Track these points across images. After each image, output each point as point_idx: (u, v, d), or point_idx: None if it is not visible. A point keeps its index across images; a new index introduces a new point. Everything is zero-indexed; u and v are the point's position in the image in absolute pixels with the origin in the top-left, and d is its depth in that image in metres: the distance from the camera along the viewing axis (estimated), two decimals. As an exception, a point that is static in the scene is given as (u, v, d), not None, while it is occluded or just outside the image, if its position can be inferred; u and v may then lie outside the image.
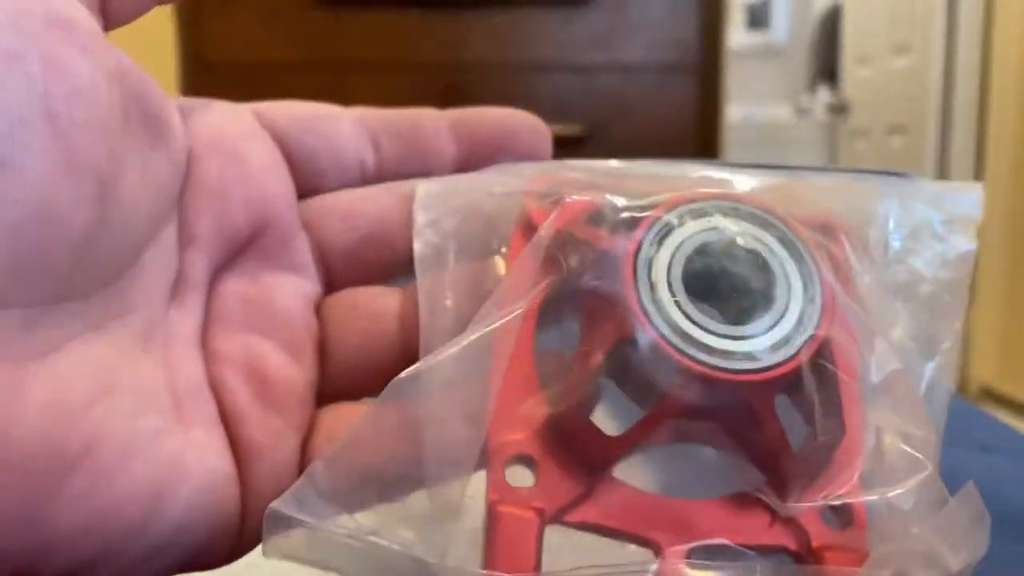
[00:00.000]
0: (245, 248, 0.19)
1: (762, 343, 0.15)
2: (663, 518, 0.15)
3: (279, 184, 0.19)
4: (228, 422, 0.18)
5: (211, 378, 0.18)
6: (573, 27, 1.72)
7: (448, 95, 1.67)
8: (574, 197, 0.17)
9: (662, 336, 0.15)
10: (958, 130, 2.26)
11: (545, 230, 0.16)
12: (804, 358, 0.15)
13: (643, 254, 0.15)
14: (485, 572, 0.15)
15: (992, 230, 2.13)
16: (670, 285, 0.15)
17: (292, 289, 0.19)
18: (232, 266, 0.19)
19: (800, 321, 0.15)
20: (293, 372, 0.18)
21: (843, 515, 0.16)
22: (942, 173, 2.31)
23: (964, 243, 0.18)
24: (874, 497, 0.15)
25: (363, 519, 0.15)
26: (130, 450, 0.15)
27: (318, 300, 0.20)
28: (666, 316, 0.15)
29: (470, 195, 0.19)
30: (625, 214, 0.16)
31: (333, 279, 0.20)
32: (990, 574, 0.27)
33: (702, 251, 0.16)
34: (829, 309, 0.15)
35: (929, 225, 0.18)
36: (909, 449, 0.16)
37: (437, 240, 0.19)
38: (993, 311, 2.12)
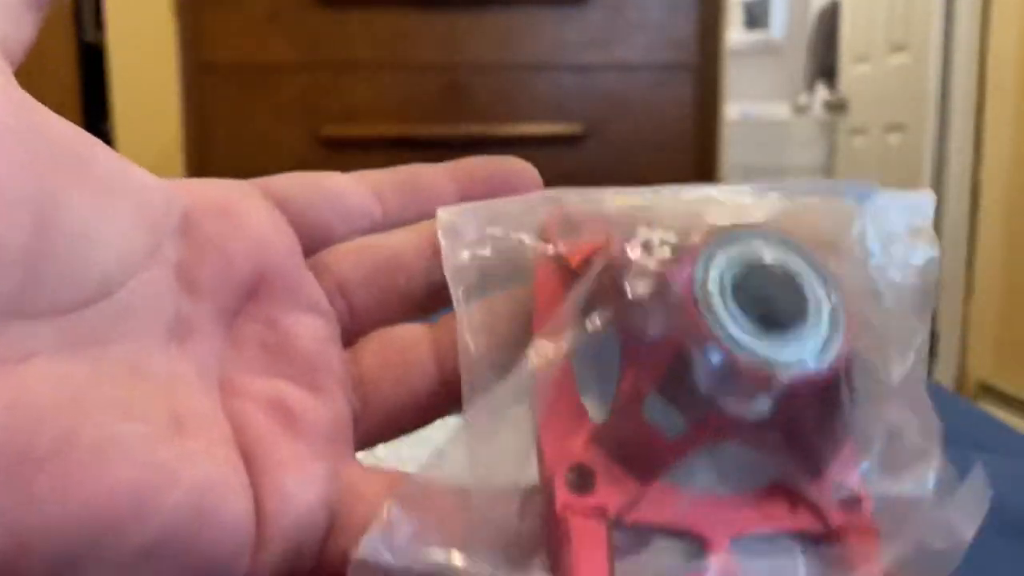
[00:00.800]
0: (252, 295, 0.20)
1: (809, 351, 0.17)
2: (707, 513, 0.17)
3: (277, 234, 0.20)
4: (245, 442, 0.18)
5: (229, 409, 0.18)
6: (572, 26, 1.72)
7: (447, 94, 1.68)
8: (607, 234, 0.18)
9: (727, 347, 0.16)
10: (955, 127, 2.26)
11: (587, 272, 0.18)
12: (845, 362, 0.17)
13: (697, 277, 0.17)
14: None
15: (989, 227, 2.14)
16: (724, 302, 0.17)
17: (310, 330, 0.20)
18: (244, 312, 0.20)
19: (832, 335, 0.17)
20: (317, 408, 0.19)
21: (853, 499, 0.18)
22: (939, 170, 2.31)
23: (928, 250, 0.20)
24: (897, 485, 0.18)
25: (443, 555, 0.16)
26: (106, 452, 0.15)
27: (342, 336, 0.21)
28: (725, 331, 0.16)
29: (491, 212, 0.20)
30: (667, 245, 0.18)
31: (356, 312, 0.21)
32: (988, 572, 0.27)
33: (745, 275, 0.17)
34: (851, 326, 0.17)
35: (896, 237, 0.20)
36: (921, 441, 0.18)
37: (465, 256, 0.20)
38: (990, 307, 2.13)
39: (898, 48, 2.53)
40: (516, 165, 0.23)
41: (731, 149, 2.43)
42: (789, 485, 0.18)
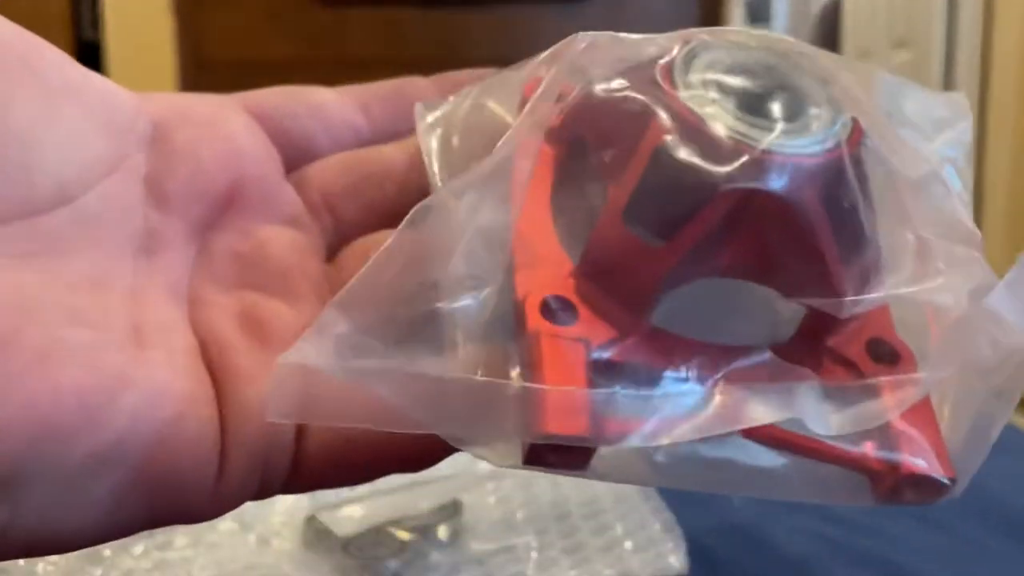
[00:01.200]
0: (227, 206, 0.19)
1: (808, 137, 0.15)
2: (705, 357, 0.15)
3: (253, 144, 0.19)
4: (211, 354, 0.17)
5: (196, 320, 0.18)
6: (572, 22, 1.71)
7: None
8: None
9: (709, 125, 0.14)
10: (958, 124, 2.26)
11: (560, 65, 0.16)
12: (848, 150, 0.15)
13: (677, 68, 0.15)
14: (537, 386, 0.14)
15: (993, 224, 2.13)
16: (706, 90, 0.15)
17: (287, 241, 0.19)
18: (218, 224, 0.19)
19: (834, 121, 0.15)
20: (288, 316, 0.18)
21: (893, 356, 0.15)
22: (942, 167, 2.31)
23: (963, 129, 0.18)
24: (933, 293, 0.15)
25: (386, 357, 0.14)
26: (51, 355, 0.15)
27: (326, 249, 0.20)
28: (708, 114, 0.15)
29: (470, 100, 0.19)
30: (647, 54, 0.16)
31: (343, 225, 0.20)
32: (990, 572, 0.27)
33: (731, 69, 0.16)
34: (858, 127, 0.15)
35: (924, 111, 0.18)
36: (953, 245, 0.16)
37: (441, 133, 0.18)
38: (993, 305, 2.12)
39: (900, 45, 2.52)
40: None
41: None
42: (807, 329, 0.15)
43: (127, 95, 0.18)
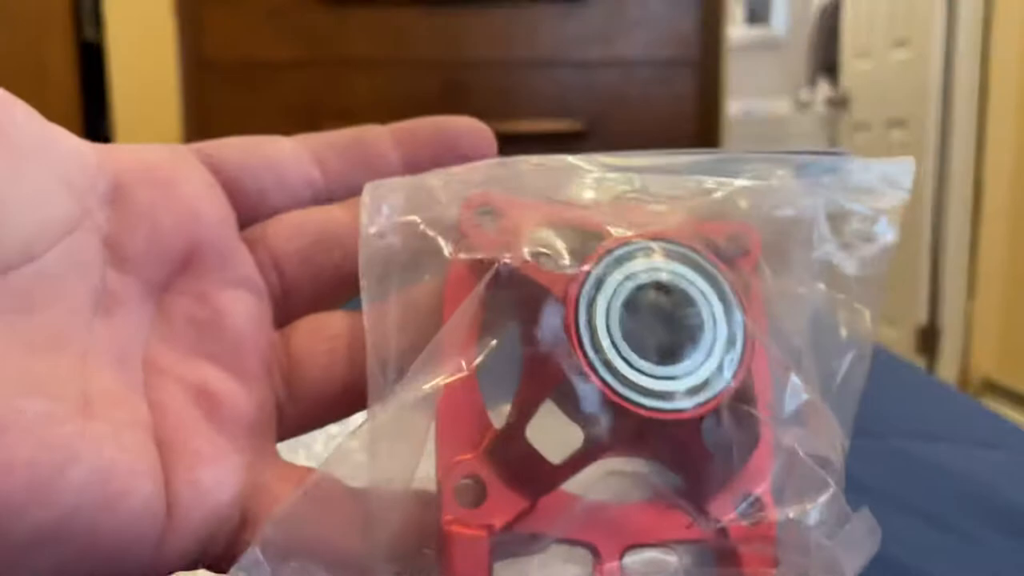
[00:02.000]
0: (183, 269, 0.19)
1: (687, 384, 0.17)
2: (600, 523, 0.17)
3: (211, 205, 0.20)
4: (165, 427, 0.18)
5: (151, 387, 0.18)
6: (572, 23, 1.71)
7: (448, 91, 1.67)
8: (505, 257, 0.18)
9: (603, 381, 0.16)
10: (958, 123, 2.26)
11: (482, 286, 0.18)
12: (723, 400, 0.17)
13: (583, 300, 0.17)
14: None
15: (992, 222, 2.13)
16: (608, 328, 0.17)
17: (242, 309, 0.19)
18: (174, 287, 0.19)
19: (720, 368, 0.17)
20: (241, 396, 0.19)
21: (756, 510, 0.18)
22: (942, 165, 2.30)
23: (886, 236, 0.19)
24: (786, 512, 0.18)
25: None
26: (8, 427, 0.15)
27: (274, 312, 0.20)
28: (605, 360, 0.17)
29: (414, 195, 0.19)
30: (564, 261, 0.18)
31: (289, 288, 0.21)
32: (990, 570, 0.27)
33: (638, 292, 0.17)
34: (748, 352, 0.17)
35: (855, 219, 0.19)
36: (817, 470, 0.18)
37: (382, 243, 0.19)
38: (993, 303, 2.12)
39: (900, 43, 2.52)
40: (463, 125, 0.22)
41: (733, 145, 2.42)
42: (687, 497, 0.18)
43: (90, 151, 0.19)
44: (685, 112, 1.77)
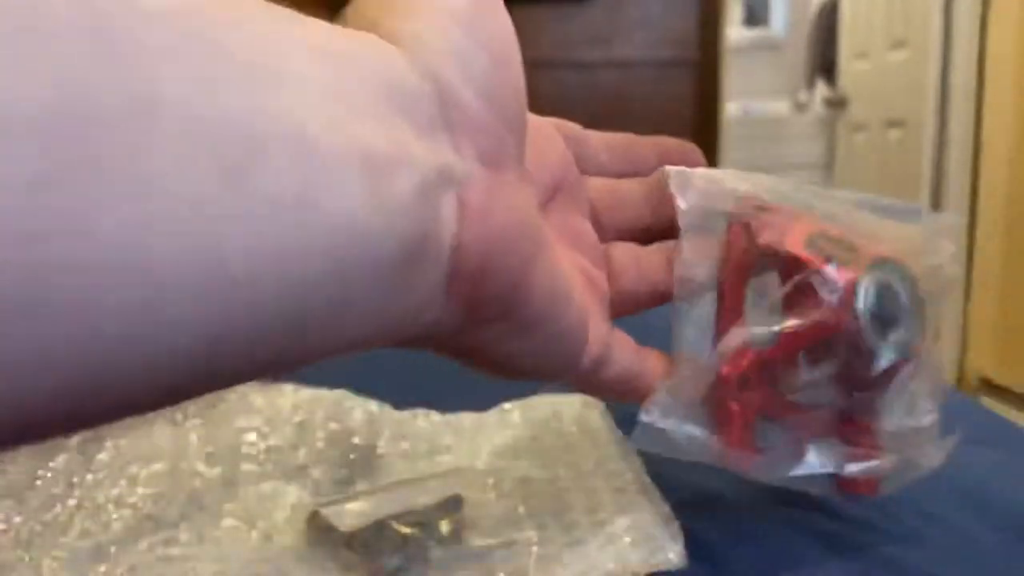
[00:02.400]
0: (554, 195, 0.27)
1: (897, 348, 0.27)
2: (799, 417, 0.28)
3: (568, 158, 0.28)
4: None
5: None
6: (572, 24, 1.72)
7: (447, 92, 1.67)
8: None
9: (868, 343, 0.26)
10: (955, 124, 2.26)
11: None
12: (916, 353, 0.27)
13: (858, 291, 0.26)
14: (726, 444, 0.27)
15: (988, 223, 2.13)
16: (866, 311, 0.26)
17: (588, 228, 0.28)
18: (549, 208, 0.27)
19: (908, 339, 0.27)
20: (602, 281, 0.27)
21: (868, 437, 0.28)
22: (939, 165, 2.31)
23: (953, 270, 0.30)
24: (910, 421, 0.28)
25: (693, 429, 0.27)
26: (559, 279, 0.23)
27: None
28: (865, 329, 0.26)
29: (705, 175, 0.28)
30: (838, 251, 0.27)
31: (599, 231, 0.29)
32: (990, 571, 0.27)
33: (879, 292, 0.27)
34: (924, 331, 0.28)
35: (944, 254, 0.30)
36: (931, 400, 0.28)
37: (685, 203, 0.27)
38: (990, 302, 2.12)
39: (898, 44, 2.52)
40: (688, 146, 0.32)
41: (731, 146, 2.42)
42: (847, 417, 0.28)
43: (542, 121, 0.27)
44: (684, 113, 1.77)
